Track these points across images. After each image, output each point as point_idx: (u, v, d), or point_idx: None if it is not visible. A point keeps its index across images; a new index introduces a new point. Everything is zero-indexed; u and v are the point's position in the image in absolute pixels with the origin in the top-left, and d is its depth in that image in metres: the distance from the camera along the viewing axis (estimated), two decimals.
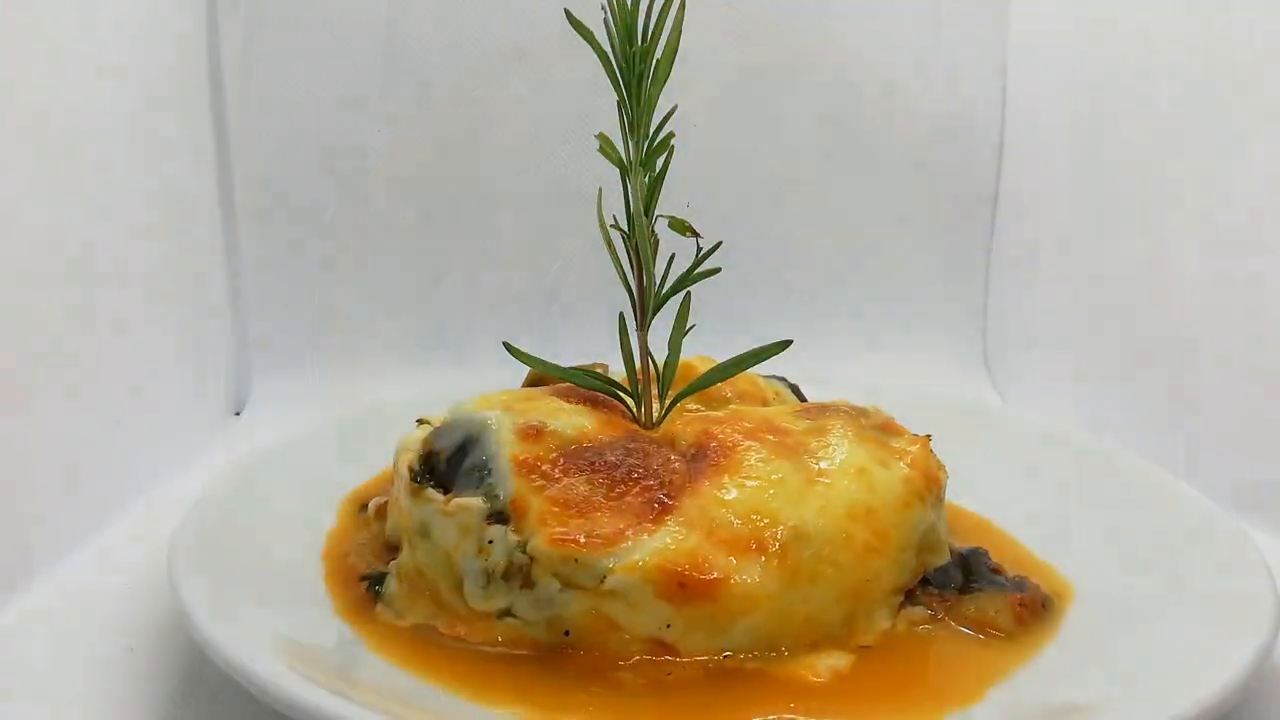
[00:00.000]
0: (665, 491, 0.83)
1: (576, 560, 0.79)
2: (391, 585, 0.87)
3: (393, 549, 0.93)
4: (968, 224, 1.63)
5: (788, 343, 0.97)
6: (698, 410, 1.02)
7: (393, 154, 1.57)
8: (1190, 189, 1.28)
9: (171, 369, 1.35)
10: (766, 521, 0.81)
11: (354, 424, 1.22)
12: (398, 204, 1.59)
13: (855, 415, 0.95)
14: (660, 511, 0.82)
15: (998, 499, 1.07)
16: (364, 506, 1.04)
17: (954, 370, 1.59)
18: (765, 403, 1.08)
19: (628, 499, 0.83)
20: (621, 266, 0.98)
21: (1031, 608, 0.87)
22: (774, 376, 1.14)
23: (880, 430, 0.94)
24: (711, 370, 0.99)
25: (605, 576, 0.78)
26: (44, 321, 1.05)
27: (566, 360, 1.01)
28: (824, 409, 0.97)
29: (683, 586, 0.78)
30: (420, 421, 0.99)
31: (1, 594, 0.94)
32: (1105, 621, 0.86)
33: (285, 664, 0.70)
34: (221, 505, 0.95)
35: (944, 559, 0.90)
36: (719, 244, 0.96)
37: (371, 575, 0.89)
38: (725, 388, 1.05)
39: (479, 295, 1.62)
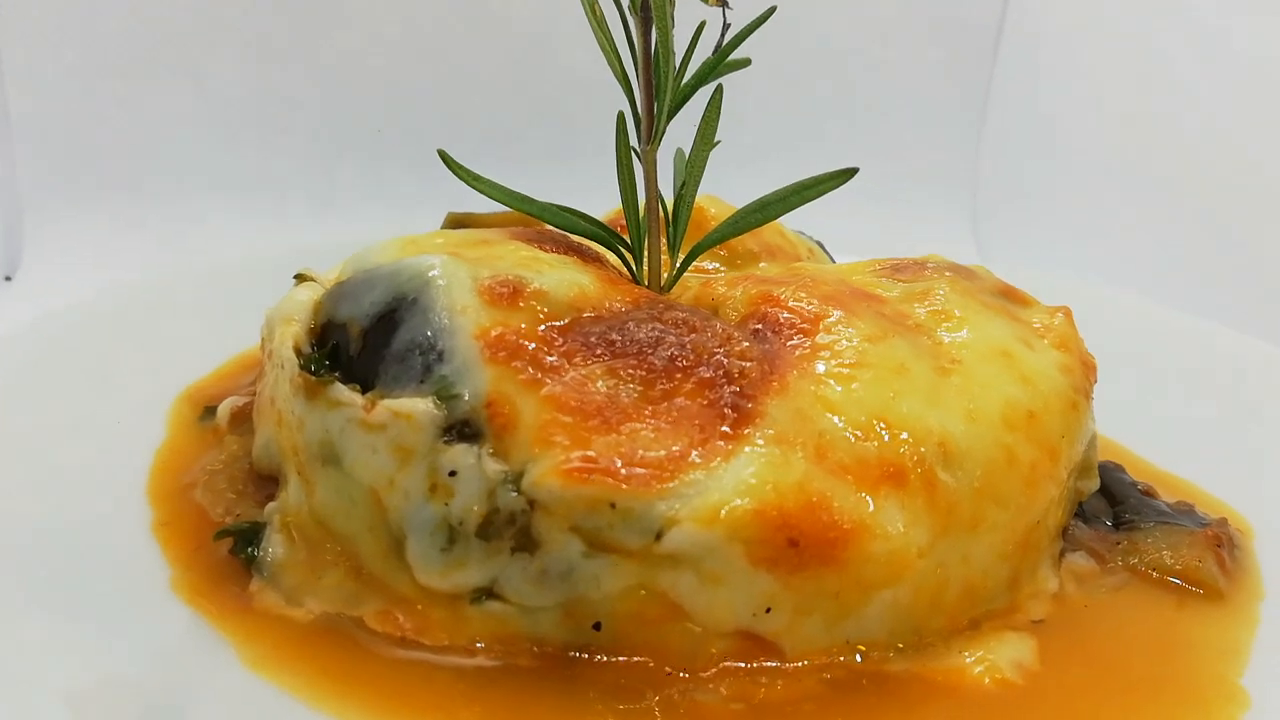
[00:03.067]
0: (736, 387, 0.51)
1: (613, 505, 0.46)
2: (276, 546, 0.52)
3: (268, 481, 0.58)
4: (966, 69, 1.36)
5: (853, 171, 0.66)
6: (717, 271, 0.70)
7: None
8: (1208, 32, 1.09)
9: None
10: (905, 436, 0.51)
11: (182, 285, 0.84)
12: None
13: (964, 275, 0.65)
14: (736, 420, 0.50)
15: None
16: (209, 410, 0.68)
17: (939, 229, 1.32)
18: (800, 261, 0.77)
19: (679, 400, 0.50)
20: (613, 46, 0.63)
21: (1230, 550, 0.61)
22: (798, 232, 0.83)
23: (1003, 299, 0.64)
24: (747, 207, 0.66)
25: (662, 531, 0.46)
26: None
27: None
28: (920, 266, 0.66)
29: (795, 545, 0.47)
30: (300, 278, 0.63)
31: None
32: None
33: None
34: None
35: (1096, 483, 0.63)
36: (773, 9, 0.63)
37: (236, 529, 0.54)
38: (751, 240, 0.73)
39: (346, 105, 1.21)
